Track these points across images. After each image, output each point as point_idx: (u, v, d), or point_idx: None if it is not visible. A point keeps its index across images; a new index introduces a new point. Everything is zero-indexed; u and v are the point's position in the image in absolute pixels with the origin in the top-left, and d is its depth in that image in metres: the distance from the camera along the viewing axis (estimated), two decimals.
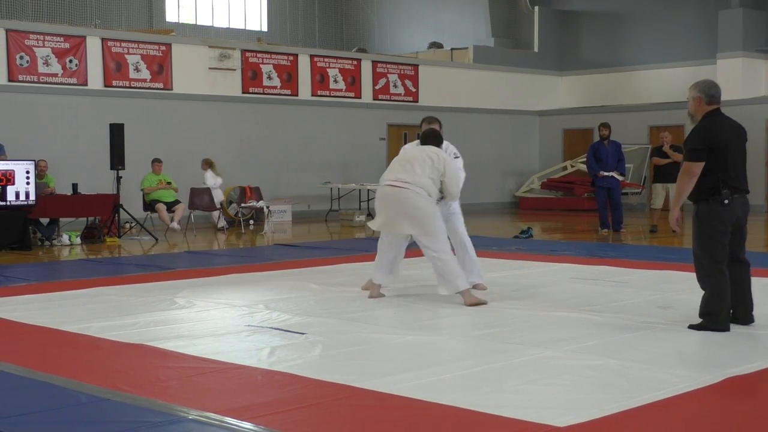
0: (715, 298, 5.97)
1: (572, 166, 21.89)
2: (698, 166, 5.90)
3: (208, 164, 15.98)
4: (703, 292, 6.07)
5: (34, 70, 15.59)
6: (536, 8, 23.55)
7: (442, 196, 7.38)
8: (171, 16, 23.20)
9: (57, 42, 15.85)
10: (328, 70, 19.49)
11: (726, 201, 5.90)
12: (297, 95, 18.98)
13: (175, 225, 14.69)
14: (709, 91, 6.03)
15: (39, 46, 15.65)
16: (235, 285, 8.65)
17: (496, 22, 23.94)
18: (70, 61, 15.96)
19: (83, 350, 5.73)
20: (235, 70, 18.00)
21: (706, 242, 5.97)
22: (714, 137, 5.91)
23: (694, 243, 6.08)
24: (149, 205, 15.03)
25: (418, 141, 7.83)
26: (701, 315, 6.05)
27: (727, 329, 5.97)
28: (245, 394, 4.60)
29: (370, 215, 15.64)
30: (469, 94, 21.78)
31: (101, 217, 13.75)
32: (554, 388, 4.61)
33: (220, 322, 6.63)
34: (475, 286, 7.66)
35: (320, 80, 19.35)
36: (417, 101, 20.59)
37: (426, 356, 5.46)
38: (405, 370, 5.00)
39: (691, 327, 6.07)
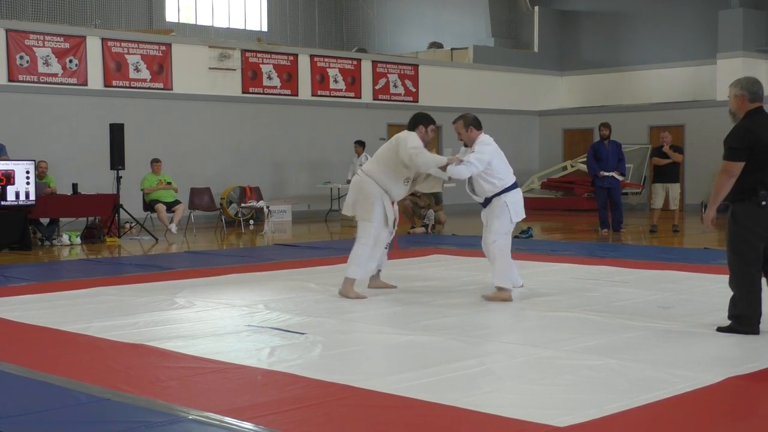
0: (743, 301, 5.80)
1: (572, 166, 21.89)
2: (738, 166, 5.67)
3: None
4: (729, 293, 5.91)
5: (34, 70, 15.59)
6: (536, 8, 23.55)
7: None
8: (171, 16, 23.19)
9: (57, 42, 15.85)
10: (328, 70, 19.49)
11: (763, 203, 5.67)
12: (297, 95, 18.97)
13: (173, 228, 14.61)
14: (752, 89, 5.82)
15: (39, 46, 15.64)
16: (235, 285, 8.65)
17: (496, 22, 23.94)
18: (70, 61, 15.96)
19: (83, 350, 5.72)
20: (235, 70, 18.00)
21: (737, 244, 5.79)
22: (755, 137, 5.67)
23: (726, 243, 5.90)
24: (149, 205, 15.02)
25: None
26: (729, 317, 5.91)
27: (756, 332, 5.80)
28: (245, 394, 4.61)
29: None
30: (469, 94, 21.76)
31: (101, 217, 13.76)
32: (554, 388, 4.61)
33: (220, 322, 6.63)
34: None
35: (320, 80, 19.35)
36: (417, 101, 20.59)
37: (426, 356, 5.46)
38: (405, 370, 5.00)
39: (720, 330, 5.93)
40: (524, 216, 7.70)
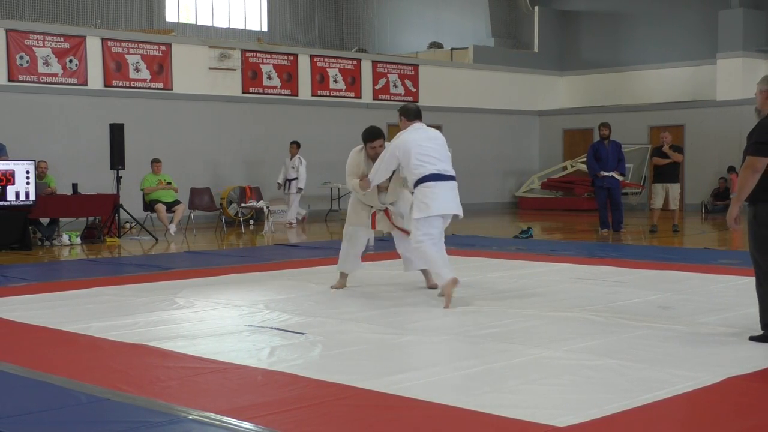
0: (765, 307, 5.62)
1: (572, 166, 21.90)
2: (763, 162, 5.49)
3: None
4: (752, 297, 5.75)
5: (34, 70, 15.59)
6: (536, 8, 23.56)
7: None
8: (171, 16, 23.20)
9: (57, 42, 15.85)
10: (328, 70, 19.49)
11: None
12: (297, 95, 18.98)
13: (172, 229, 14.59)
14: None
15: (39, 46, 15.65)
16: (235, 285, 8.65)
17: (496, 22, 23.95)
18: (70, 61, 15.96)
19: (83, 350, 5.72)
20: (235, 70, 18.00)
21: (764, 244, 5.56)
22: None
23: (751, 246, 5.66)
24: (149, 205, 15.01)
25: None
26: (763, 327, 5.66)
27: None
28: (245, 394, 4.60)
29: None
30: (469, 94, 21.78)
31: (101, 217, 13.76)
32: (554, 388, 4.61)
33: (220, 322, 6.63)
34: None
35: (320, 80, 19.35)
36: (417, 101, 20.57)
37: (426, 356, 5.45)
38: (405, 370, 5.00)
39: (752, 339, 5.69)
40: (448, 210, 7.18)
